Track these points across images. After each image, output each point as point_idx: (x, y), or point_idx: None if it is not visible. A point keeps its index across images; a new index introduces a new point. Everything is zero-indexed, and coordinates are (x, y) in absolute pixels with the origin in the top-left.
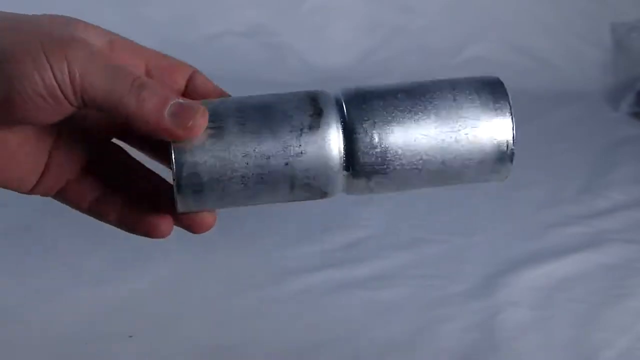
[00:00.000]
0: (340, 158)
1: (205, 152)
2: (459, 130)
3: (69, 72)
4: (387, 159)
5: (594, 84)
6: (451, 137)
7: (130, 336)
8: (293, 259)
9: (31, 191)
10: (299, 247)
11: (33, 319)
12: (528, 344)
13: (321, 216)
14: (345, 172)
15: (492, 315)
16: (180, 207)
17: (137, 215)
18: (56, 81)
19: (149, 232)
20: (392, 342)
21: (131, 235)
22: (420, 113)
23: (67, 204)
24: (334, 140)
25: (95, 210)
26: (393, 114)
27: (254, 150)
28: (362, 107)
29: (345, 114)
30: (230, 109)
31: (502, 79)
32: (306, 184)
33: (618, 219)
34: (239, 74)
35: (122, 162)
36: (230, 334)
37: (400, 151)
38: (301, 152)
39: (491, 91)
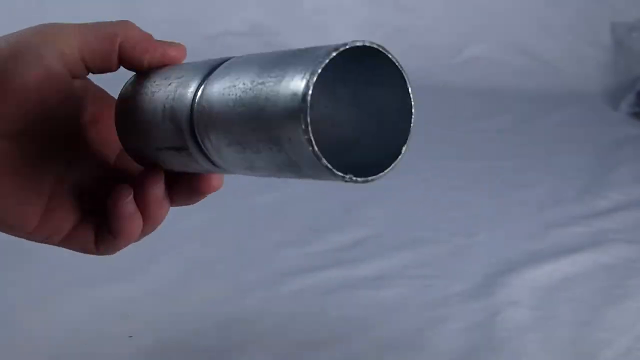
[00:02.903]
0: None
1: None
2: (267, 79)
3: (60, 49)
4: (208, 109)
5: (594, 84)
6: (259, 85)
7: (130, 336)
8: (293, 259)
9: (31, 234)
10: (299, 247)
11: (32, 319)
12: (528, 344)
13: (321, 216)
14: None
15: (492, 315)
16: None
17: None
18: (55, 60)
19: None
20: (392, 342)
21: None
22: (247, 66)
23: (74, 249)
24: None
25: (102, 244)
26: (227, 73)
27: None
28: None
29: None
30: None
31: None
32: (170, 108)
33: (618, 219)
34: None
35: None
36: (230, 334)
37: (217, 100)
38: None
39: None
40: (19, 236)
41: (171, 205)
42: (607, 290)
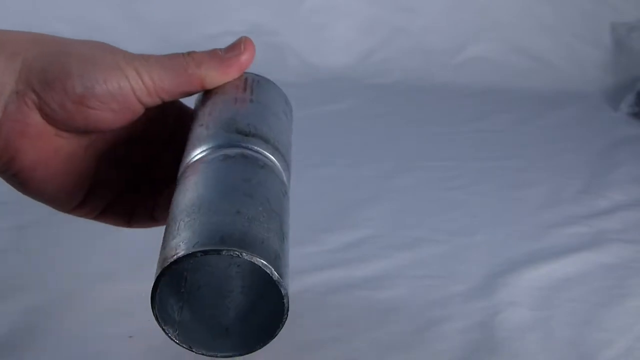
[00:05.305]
0: None
1: None
2: None
3: (143, 80)
4: None
5: (594, 84)
6: None
7: (131, 336)
8: (293, 259)
9: (72, 211)
10: (299, 247)
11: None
12: (528, 344)
13: (321, 216)
14: None
15: (492, 315)
16: None
17: None
18: (131, 87)
19: None
20: (392, 342)
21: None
22: None
23: (107, 222)
24: None
25: (136, 222)
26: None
27: None
28: None
29: None
30: None
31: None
32: None
33: (618, 219)
34: None
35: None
36: None
37: None
38: None
39: None
40: (59, 210)
41: None
42: (607, 290)
